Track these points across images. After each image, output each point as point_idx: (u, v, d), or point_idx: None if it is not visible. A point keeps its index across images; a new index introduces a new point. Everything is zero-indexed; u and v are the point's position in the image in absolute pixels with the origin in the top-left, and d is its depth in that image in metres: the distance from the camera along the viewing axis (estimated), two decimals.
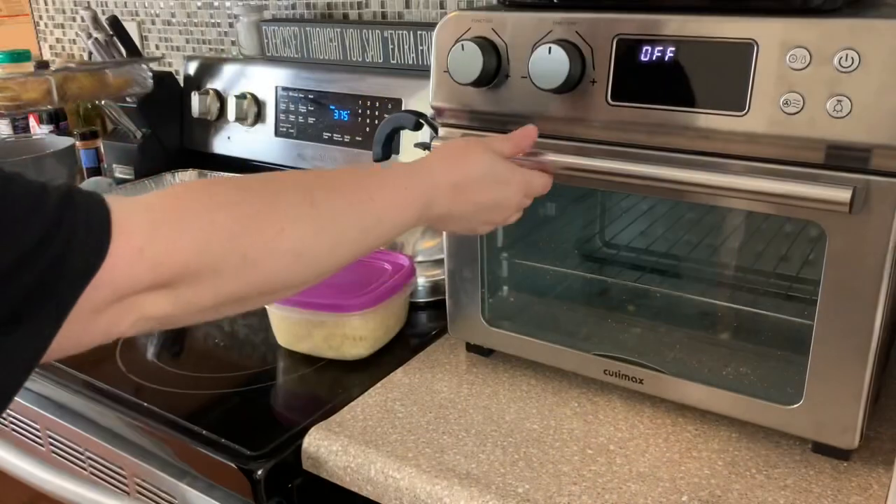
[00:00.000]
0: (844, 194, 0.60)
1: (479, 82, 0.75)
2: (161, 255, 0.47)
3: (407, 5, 1.38)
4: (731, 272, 1.00)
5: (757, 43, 0.62)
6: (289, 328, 0.94)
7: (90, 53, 1.55)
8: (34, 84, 1.35)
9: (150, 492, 0.84)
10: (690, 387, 0.77)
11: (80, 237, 0.43)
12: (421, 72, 1.27)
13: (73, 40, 2.04)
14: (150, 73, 1.54)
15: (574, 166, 0.73)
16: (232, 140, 1.54)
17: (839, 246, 0.64)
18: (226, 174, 1.47)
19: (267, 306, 0.94)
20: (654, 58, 0.67)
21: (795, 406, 0.70)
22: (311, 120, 1.41)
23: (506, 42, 0.74)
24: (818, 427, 0.70)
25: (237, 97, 1.48)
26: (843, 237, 0.64)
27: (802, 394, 0.69)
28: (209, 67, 1.56)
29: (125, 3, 1.84)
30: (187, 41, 1.77)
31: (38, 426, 0.95)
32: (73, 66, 1.40)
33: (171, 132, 1.61)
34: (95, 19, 1.51)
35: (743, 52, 0.63)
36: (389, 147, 1.12)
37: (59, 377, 0.92)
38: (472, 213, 0.68)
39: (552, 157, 0.73)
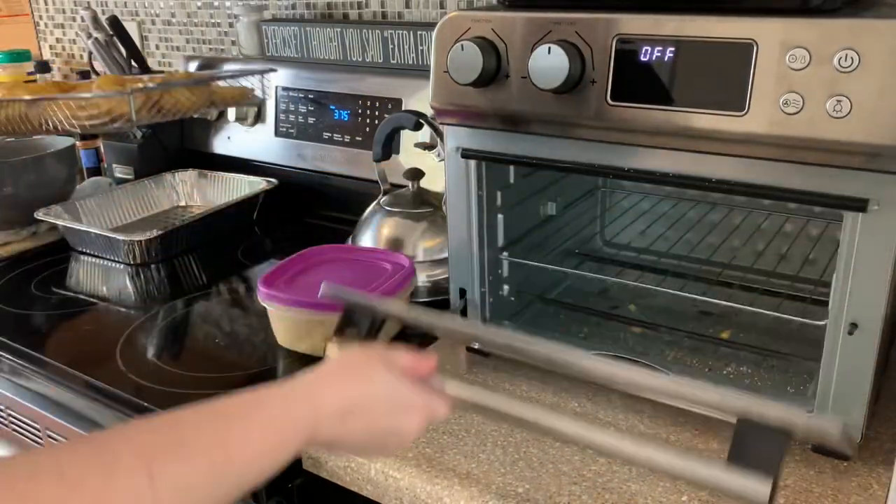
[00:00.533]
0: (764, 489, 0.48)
1: (478, 82, 0.75)
2: None
3: (407, 5, 1.38)
4: (732, 271, 1.00)
5: (757, 43, 0.62)
6: (289, 328, 0.94)
7: (90, 53, 1.55)
8: (121, 101, 1.22)
9: None
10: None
11: None
12: (421, 72, 1.27)
13: (73, 40, 2.04)
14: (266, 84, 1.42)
15: (472, 403, 0.61)
16: (232, 140, 1.54)
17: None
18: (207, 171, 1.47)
19: (266, 305, 0.94)
20: (653, 58, 0.67)
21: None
22: (311, 120, 1.41)
23: (505, 42, 0.74)
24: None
25: None
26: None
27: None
28: (209, 67, 1.56)
29: (125, 3, 1.84)
30: (187, 41, 1.77)
31: (38, 426, 0.94)
32: (166, 81, 1.25)
33: (171, 132, 1.61)
34: (95, 19, 1.51)
35: (743, 52, 0.63)
36: (389, 147, 1.12)
37: (60, 377, 0.92)
38: (364, 441, 0.57)
39: (453, 386, 0.61)
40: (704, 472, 0.50)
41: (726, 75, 0.64)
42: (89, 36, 1.51)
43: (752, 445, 0.50)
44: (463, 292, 0.90)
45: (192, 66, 1.59)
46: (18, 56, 1.91)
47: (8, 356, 0.97)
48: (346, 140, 1.36)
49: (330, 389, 0.55)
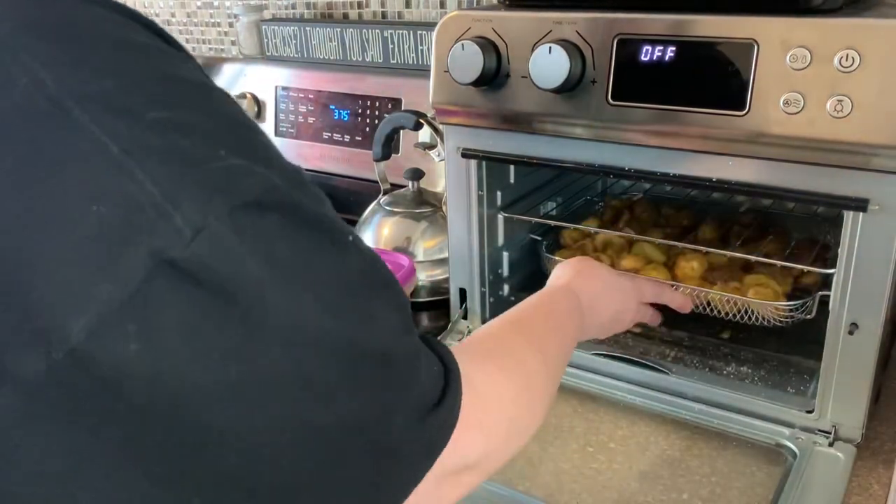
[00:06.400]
0: None
1: (479, 82, 0.75)
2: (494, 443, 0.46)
3: (407, 5, 1.38)
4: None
5: (757, 42, 0.62)
6: None
7: None
8: None
9: None
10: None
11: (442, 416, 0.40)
12: (421, 72, 1.27)
13: None
14: None
15: None
16: None
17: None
18: None
19: None
20: (654, 57, 0.67)
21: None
22: (311, 120, 1.41)
23: (506, 42, 0.74)
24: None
25: (237, 97, 1.48)
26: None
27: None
28: (209, 67, 1.56)
29: (125, 3, 1.84)
30: (187, 41, 1.77)
31: None
32: None
33: None
34: None
35: (743, 51, 0.63)
36: (389, 147, 1.12)
37: None
38: (600, 324, 0.71)
39: None
40: None
41: (727, 75, 0.64)
42: None
43: None
44: (463, 292, 0.90)
45: None
46: None
47: None
48: (346, 140, 1.36)
49: (581, 288, 0.67)
